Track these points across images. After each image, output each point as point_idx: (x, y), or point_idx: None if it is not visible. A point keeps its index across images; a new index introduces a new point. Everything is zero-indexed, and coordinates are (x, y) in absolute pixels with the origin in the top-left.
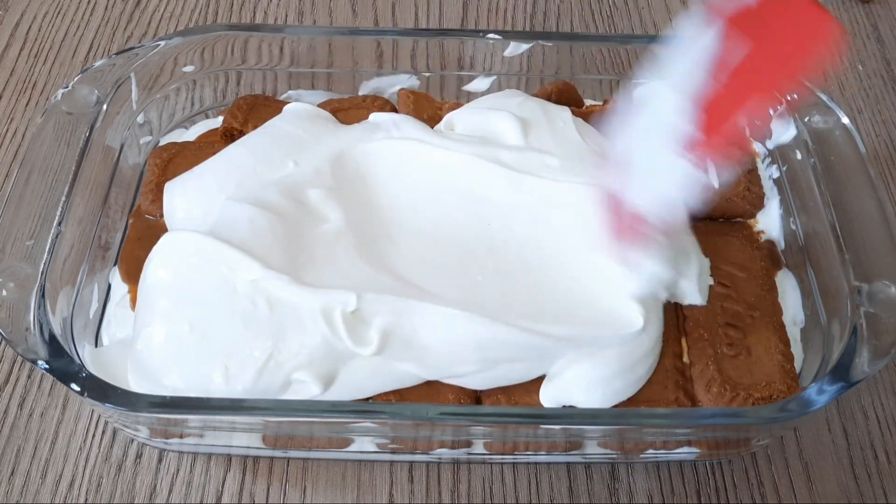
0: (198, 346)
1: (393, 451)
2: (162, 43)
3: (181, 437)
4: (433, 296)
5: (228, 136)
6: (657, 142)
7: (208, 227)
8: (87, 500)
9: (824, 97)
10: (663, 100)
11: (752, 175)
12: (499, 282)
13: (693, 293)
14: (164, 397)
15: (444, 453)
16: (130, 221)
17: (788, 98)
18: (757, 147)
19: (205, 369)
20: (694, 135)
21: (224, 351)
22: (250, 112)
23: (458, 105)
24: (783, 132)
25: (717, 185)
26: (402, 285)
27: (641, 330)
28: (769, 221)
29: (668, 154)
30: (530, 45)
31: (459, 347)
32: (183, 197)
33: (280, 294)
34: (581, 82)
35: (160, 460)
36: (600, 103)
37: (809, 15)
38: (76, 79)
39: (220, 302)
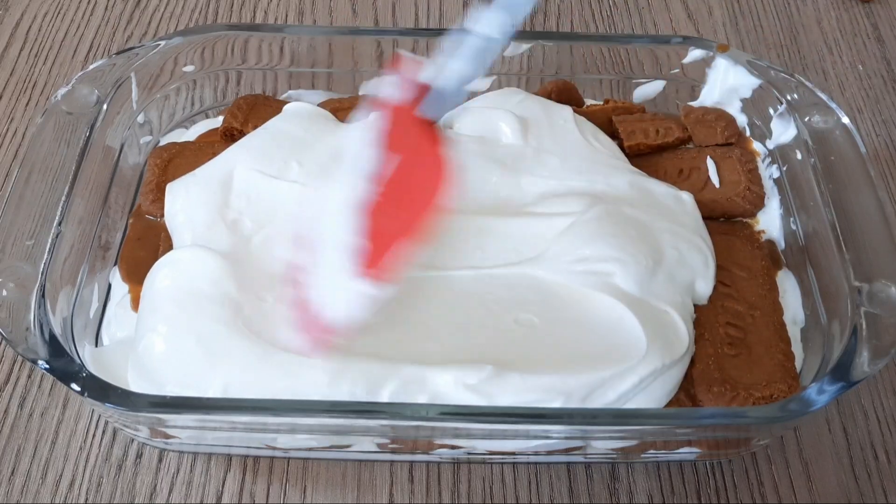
0: (203, 362)
1: (393, 451)
2: (162, 43)
3: (180, 437)
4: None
5: (228, 135)
6: (334, 244)
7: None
8: (87, 499)
9: (824, 97)
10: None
11: (752, 175)
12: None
13: (703, 294)
14: (164, 397)
15: (445, 453)
16: (130, 221)
17: (789, 97)
18: (757, 147)
19: (207, 385)
20: (363, 247)
21: (228, 371)
22: (250, 112)
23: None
24: (783, 132)
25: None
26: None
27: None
28: (769, 221)
29: (342, 262)
30: (530, 45)
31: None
32: (185, 199)
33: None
34: (581, 82)
35: (160, 460)
36: (601, 103)
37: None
38: (76, 79)
39: (228, 321)
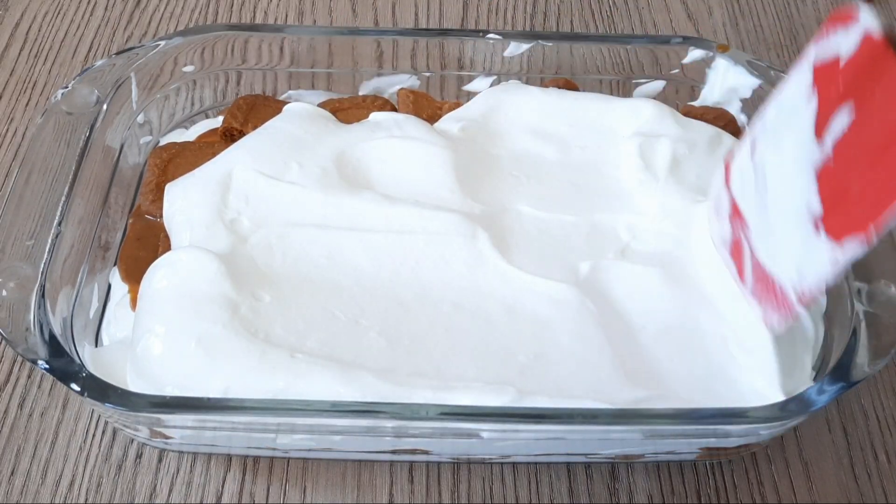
0: (203, 363)
1: (393, 451)
2: (162, 43)
3: (180, 437)
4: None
5: (228, 136)
6: (783, 208)
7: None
8: (87, 500)
9: None
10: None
11: None
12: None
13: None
14: (164, 397)
15: (446, 452)
16: (130, 221)
17: None
18: None
19: (207, 386)
20: (820, 210)
21: (228, 372)
22: (250, 112)
23: (458, 105)
24: None
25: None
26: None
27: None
28: None
29: (797, 226)
30: (530, 45)
31: None
32: (183, 200)
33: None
34: (581, 82)
35: (160, 460)
36: None
37: None
38: (76, 79)
39: (227, 322)
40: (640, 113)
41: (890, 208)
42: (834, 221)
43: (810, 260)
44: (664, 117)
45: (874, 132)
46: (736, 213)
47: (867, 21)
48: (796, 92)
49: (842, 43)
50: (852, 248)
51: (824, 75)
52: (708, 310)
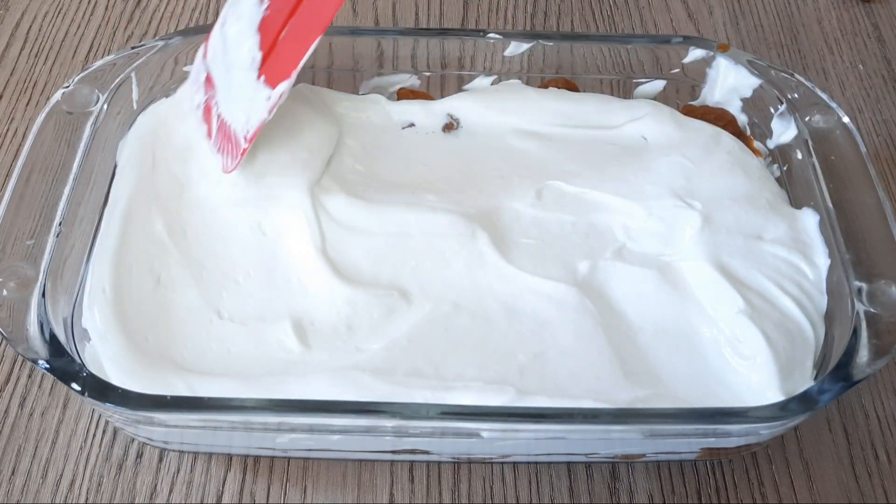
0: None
1: (393, 451)
2: (162, 42)
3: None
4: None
5: None
6: (238, 66)
7: None
8: (87, 499)
9: (825, 97)
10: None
11: None
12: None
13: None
14: (164, 397)
15: (445, 452)
16: None
17: (789, 97)
18: (758, 146)
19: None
20: (260, 59)
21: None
22: None
23: None
24: (784, 131)
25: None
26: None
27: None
28: None
29: (247, 77)
30: (530, 44)
31: None
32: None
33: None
34: (581, 82)
35: (160, 460)
36: None
37: None
38: (76, 78)
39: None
40: (640, 114)
41: (306, 53)
42: (270, 68)
43: (254, 105)
44: (663, 118)
45: None
46: (209, 80)
47: None
48: None
49: None
50: (282, 88)
51: None
52: (701, 311)
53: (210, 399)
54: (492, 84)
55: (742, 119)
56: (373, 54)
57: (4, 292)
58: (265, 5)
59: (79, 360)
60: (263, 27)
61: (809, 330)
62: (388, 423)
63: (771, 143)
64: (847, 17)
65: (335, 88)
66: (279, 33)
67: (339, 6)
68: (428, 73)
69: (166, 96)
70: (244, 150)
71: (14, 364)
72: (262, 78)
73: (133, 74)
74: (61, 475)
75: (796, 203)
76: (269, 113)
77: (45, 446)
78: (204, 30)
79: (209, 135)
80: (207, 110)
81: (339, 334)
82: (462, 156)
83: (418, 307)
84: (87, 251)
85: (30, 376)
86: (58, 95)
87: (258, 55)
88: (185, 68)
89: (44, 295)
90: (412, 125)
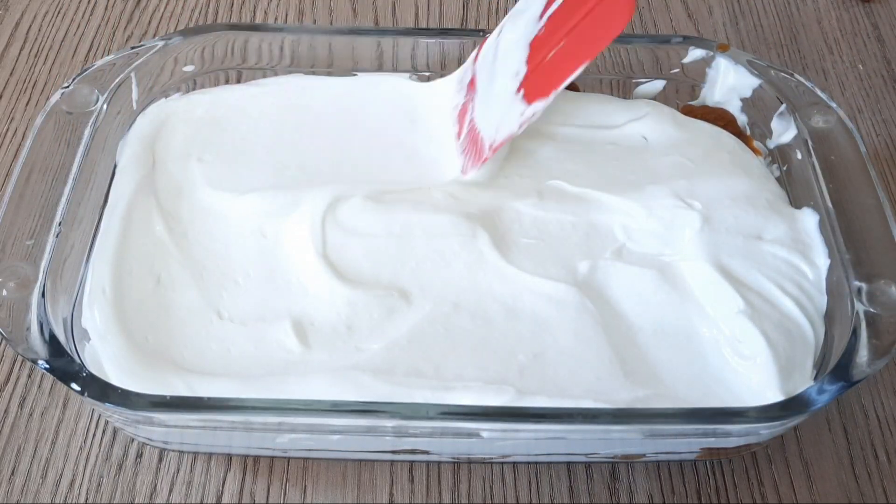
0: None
1: (393, 451)
2: (162, 42)
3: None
4: None
5: None
6: (502, 74)
7: None
8: (87, 499)
9: (825, 97)
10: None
11: None
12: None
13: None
14: (164, 397)
15: (445, 452)
16: None
17: (789, 97)
18: (758, 146)
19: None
20: (524, 73)
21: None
22: None
23: None
24: (783, 131)
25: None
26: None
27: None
28: None
29: (507, 88)
30: None
31: None
32: None
33: None
34: (581, 82)
35: (160, 460)
36: None
37: None
38: (76, 78)
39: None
40: (640, 114)
41: (569, 75)
42: (531, 84)
43: (507, 117)
44: (663, 118)
45: (573, 12)
46: (472, 84)
47: None
48: None
49: None
50: (537, 107)
51: None
52: (701, 311)
53: (210, 399)
54: None
55: (742, 119)
56: (373, 54)
57: (4, 292)
58: (542, 23)
59: (78, 360)
60: (536, 43)
61: (809, 330)
62: (388, 423)
63: (771, 143)
64: (847, 17)
65: None
66: (547, 52)
67: (615, 36)
68: (427, 74)
69: (166, 96)
70: (486, 158)
71: (14, 364)
72: (521, 92)
73: (133, 74)
74: (61, 475)
75: (796, 203)
76: (519, 128)
77: (45, 446)
78: (204, 29)
79: (458, 135)
80: (463, 111)
81: (339, 334)
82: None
83: (418, 307)
84: (86, 251)
85: (29, 376)
86: (57, 95)
87: (523, 69)
88: (185, 69)
89: (43, 295)
90: None
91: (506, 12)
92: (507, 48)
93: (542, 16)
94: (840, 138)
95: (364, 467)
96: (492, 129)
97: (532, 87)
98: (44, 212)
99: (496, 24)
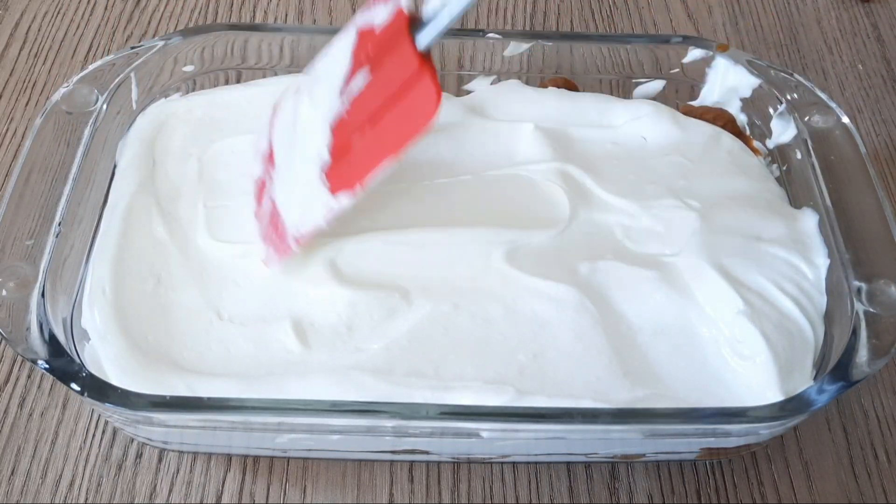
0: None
1: (393, 451)
2: (162, 42)
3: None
4: None
5: None
6: (303, 156)
7: None
8: (87, 499)
9: (824, 97)
10: (308, 102)
11: None
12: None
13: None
14: (163, 397)
15: (445, 452)
16: None
17: (788, 97)
18: (758, 146)
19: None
20: (328, 161)
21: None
22: None
23: None
24: (783, 131)
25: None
26: None
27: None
28: None
29: (309, 172)
30: (530, 44)
31: None
32: None
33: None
34: (581, 82)
35: (160, 460)
36: None
37: (416, 79)
38: (76, 78)
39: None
40: (639, 114)
41: (375, 170)
42: (336, 173)
43: (312, 206)
44: (662, 118)
45: (378, 97)
46: (270, 154)
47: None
48: (340, 50)
49: (380, 12)
50: (343, 200)
51: (363, 39)
52: (700, 311)
53: (210, 399)
54: (491, 84)
55: (741, 119)
56: None
57: (4, 292)
58: (345, 102)
59: (78, 361)
60: (338, 128)
61: (809, 330)
62: (388, 423)
63: (770, 143)
64: (846, 17)
65: None
66: (351, 139)
67: (420, 132)
68: None
69: (166, 97)
70: (290, 251)
71: (13, 364)
72: (326, 181)
73: (132, 74)
74: (61, 475)
75: (796, 203)
76: (325, 222)
77: (45, 446)
78: (204, 30)
79: (257, 213)
80: (262, 187)
81: (339, 334)
82: (463, 156)
83: (418, 307)
84: (86, 251)
85: (29, 376)
86: (57, 95)
87: (326, 156)
88: (185, 69)
89: (43, 295)
90: None
91: (505, 12)
92: (306, 125)
93: (342, 91)
94: (840, 138)
95: (364, 467)
96: (294, 215)
97: (337, 178)
98: (43, 212)
99: (496, 24)
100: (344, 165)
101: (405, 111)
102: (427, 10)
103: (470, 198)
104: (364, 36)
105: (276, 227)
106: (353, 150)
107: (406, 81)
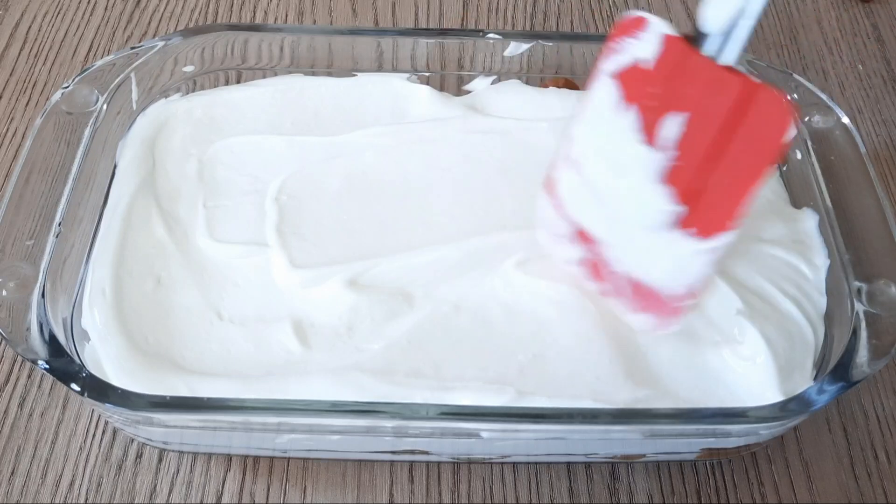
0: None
1: (393, 452)
2: (162, 43)
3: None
4: None
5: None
6: (637, 222)
7: None
8: (87, 500)
9: (824, 97)
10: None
11: None
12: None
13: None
14: (163, 397)
15: (445, 452)
16: None
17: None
18: None
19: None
20: (682, 211)
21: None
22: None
23: None
24: None
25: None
26: None
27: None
28: None
29: (657, 232)
30: (530, 44)
31: None
32: None
33: None
34: (581, 82)
35: (160, 460)
36: None
37: (759, 96)
38: (76, 79)
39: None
40: None
41: (745, 199)
42: (697, 218)
43: (684, 260)
44: None
45: (709, 125)
46: (582, 235)
47: (658, 25)
48: (604, 105)
49: (638, 49)
50: (722, 240)
51: (631, 82)
52: (700, 312)
53: (210, 399)
54: (491, 84)
55: None
56: (372, 55)
57: (4, 292)
58: (666, 150)
59: (78, 361)
60: (673, 178)
61: (809, 330)
62: (388, 423)
63: None
64: (846, 18)
65: None
66: (695, 182)
67: (782, 143)
68: (427, 74)
69: (166, 97)
70: (683, 310)
71: (13, 364)
72: (688, 230)
73: (132, 75)
74: (61, 475)
75: (796, 203)
76: (711, 265)
77: (45, 447)
78: (204, 30)
79: (604, 293)
80: (594, 267)
81: (339, 335)
82: (463, 155)
83: (419, 308)
84: (86, 251)
85: (29, 377)
86: (57, 96)
87: (676, 208)
88: (185, 69)
89: (43, 295)
90: None
91: (506, 12)
92: (615, 189)
93: (653, 141)
94: (840, 138)
95: (364, 467)
96: (664, 277)
97: (702, 222)
98: (44, 212)
99: (496, 24)
100: (704, 208)
101: (752, 131)
102: (709, 23)
103: (479, 203)
104: (629, 78)
105: (648, 295)
106: (708, 191)
107: (736, 101)
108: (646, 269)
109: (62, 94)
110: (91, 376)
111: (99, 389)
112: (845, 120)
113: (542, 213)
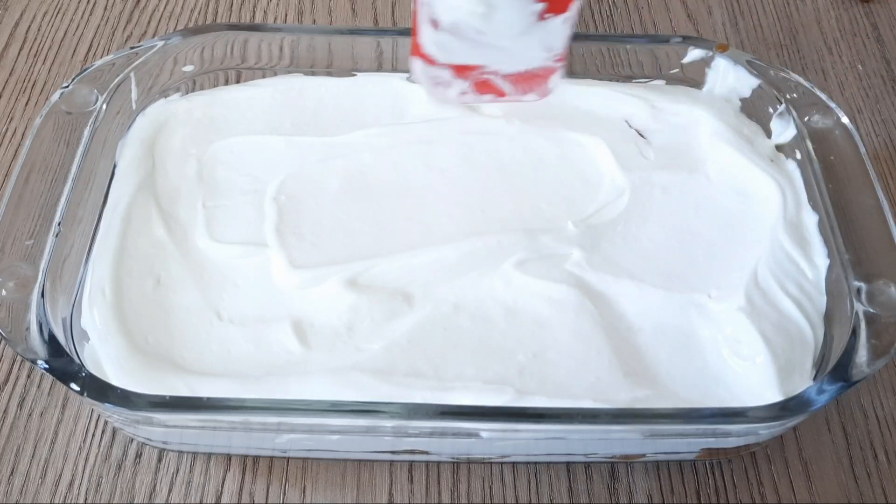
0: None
1: (393, 451)
2: (161, 42)
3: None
4: None
5: None
6: (511, 26)
7: None
8: (86, 499)
9: (824, 97)
10: None
11: None
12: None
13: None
14: (163, 397)
15: (444, 452)
16: None
17: (788, 97)
18: None
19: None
20: (541, 6)
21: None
22: None
23: None
24: (783, 132)
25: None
26: None
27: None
28: None
29: (529, 28)
30: None
31: None
32: None
33: None
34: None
35: (160, 460)
36: None
37: None
38: (76, 79)
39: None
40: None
41: None
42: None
43: (550, 37)
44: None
45: None
46: (460, 70)
47: None
48: None
49: None
50: (576, 5)
51: None
52: (700, 312)
53: (210, 399)
54: None
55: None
56: (372, 54)
57: (3, 292)
58: None
59: (78, 361)
60: None
61: (808, 330)
62: (388, 423)
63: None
64: (846, 18)
65: None
66: None
67: None
68: None
69: (165, 97)
70: (560, 70)
71: (13, 364)
72: (547, 15)
73: (132, 74)
74: (60, 475)
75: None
76: (571, 31)
77: (44, 446)
78: (204, 30)
79: (493, 93)
80: (478, 85)
81: (339, 335)
82: (463, 156)
83: (418, 308)
84: (86, 251)
85: (29, 376)
86: (57, 95)
87: (539, 5)
88: (184, 68)
89: (43, 295)
90: None
91: None
92: (497, 18)
93: None
94: (839, 138)
95: (363, 467)
96: (540, 55)
97: (556, 1)
98: (43, 212)
99: None
100: None
101: None
102: None
103: (478, 202)
104: None
105: (528, 77)
106: None
107: None
108: (524, 62)
109: (62, 93)
110: (91, 376)
111: (98, 389)
112: (845, 120)
113: (419, 72)
